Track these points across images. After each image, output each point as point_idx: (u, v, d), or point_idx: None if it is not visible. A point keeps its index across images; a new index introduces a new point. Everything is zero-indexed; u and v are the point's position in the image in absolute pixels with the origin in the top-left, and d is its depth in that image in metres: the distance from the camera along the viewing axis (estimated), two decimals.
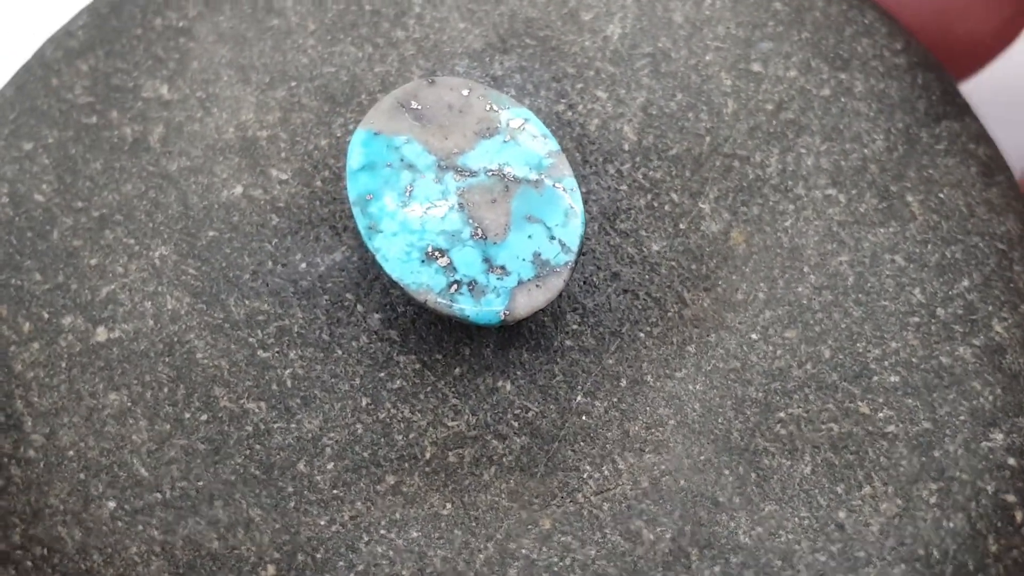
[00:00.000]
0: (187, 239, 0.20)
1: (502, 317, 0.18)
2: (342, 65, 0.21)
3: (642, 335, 0.20)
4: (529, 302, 0.19)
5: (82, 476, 0.19)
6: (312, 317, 0.20)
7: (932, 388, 0.19)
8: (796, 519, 0.19)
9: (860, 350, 0.20)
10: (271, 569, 0.18)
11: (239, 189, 0.20)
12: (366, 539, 0.19)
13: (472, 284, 0.19)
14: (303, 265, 0.20)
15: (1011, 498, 0.19)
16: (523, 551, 0.19)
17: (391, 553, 0.19)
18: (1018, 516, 0.19)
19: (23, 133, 0.21)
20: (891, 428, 0.19)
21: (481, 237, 0.19)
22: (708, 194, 0.20)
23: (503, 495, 0.19)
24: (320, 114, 0.21)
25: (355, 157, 0.19)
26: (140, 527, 0.18)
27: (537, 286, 0.19)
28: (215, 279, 0.20)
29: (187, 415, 0.19)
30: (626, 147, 0.21)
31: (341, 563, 0.19)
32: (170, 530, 0.18)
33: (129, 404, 0.19)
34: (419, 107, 0.19)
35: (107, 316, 0.20)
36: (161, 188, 0.20)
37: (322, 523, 0.19)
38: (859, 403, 0.19)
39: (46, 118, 0.21)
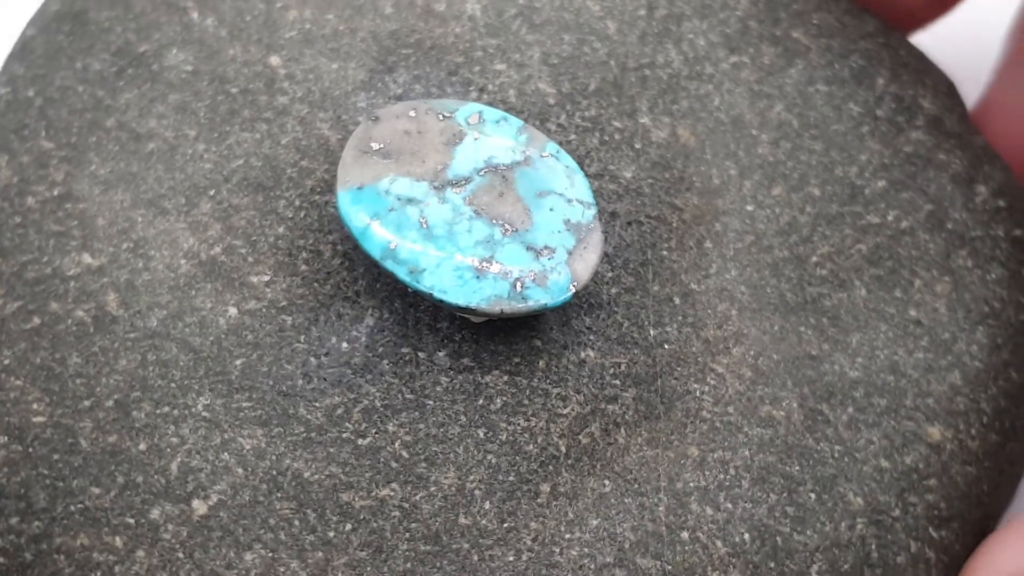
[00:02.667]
0: (219, 379, 0.21)
1: (573, 290, 0.20)
2: (248, 153, 0.22)
3: (665, 252, 0.22)
4: (586, 265, 0.21)
5: None
6: (386, 386, 0.21)
7: (914, 176, 0.23)
8: (881, 336, 0.22)
9: (841, 175, 0.23)
10: None
11: (233, 311, 0.21)
12: (558, 551, 0.20)
13: (532, 275, 0.20)
14: (344, 345, 0.21)
15: (1017, 231, 0.23)
16: (691, 484, 0.21)
17: (587, 550, 0.20)
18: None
19: None
20: (904, 223, 0.23)
21: (512, 231, 0.20)
22: (641, 108, 0.23)
23: (645, 447, 0.21)
24: (258, 205, 0.22)
25: (355, 218, 0.20)
26: None
27: (584, 248, 0.21)
28: (272, 400, 0.21)
29: (331, 534, 0.20)
30: (552, 101, 0.23)
31: (565, 573, 0.20)
32: None
33: (271, 554, 0.20)
34: (380, 146, 0.21)
35: (194, 488, 0.20)
36: (156, 347, 0.21)
37: (511, 558, 0.20)
38: (868, 217, 0.23)
39: None
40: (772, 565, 0.21)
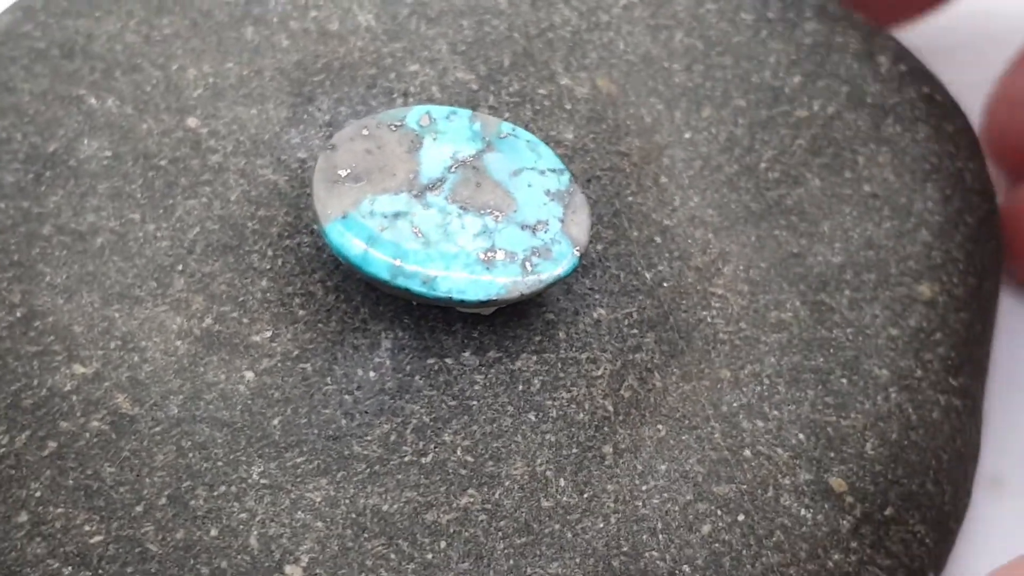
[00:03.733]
0: (263, 443, 0.21)
1: (578, 255, 0.21)
2: (201, 219, 0.22)
3: (630, 198, 0.23)
4: (581, 228, 0.21)
5: None
6: (427, 400, 0.21)
7: (822, 63, 0.24)
8: (847, 217, 0.23)
9: (758, 81, 0.24)
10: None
11: (249, 375, 0.21)
12: (640, 504, 0.21)
13: (535, 252, 0.21)
14: (372, 374, 0.21)
15: (925, 89, 0.25)
16: (735, 404, 0.22)
17: (666, 495, 0.21)
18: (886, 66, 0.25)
19: None
20: (830, 109, 0.24)
21: (502, 215, 0.21)
22: (557, 71, 0.24)
23: (681, 383, 0.22)
24: (232, 267, 0.22)
25: (350, 247, 0.21)
26: None
27: (573, 212, 0.21)
28: (324, 448, 0.21)
29: (429, 555, 0.20)
30: (475, 87, 0.23)
31: (654, 523, 0.20)
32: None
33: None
34: (347, 171, 0.21)
35: (281, 556, 0.20)
36: (187, 433, 0.21)
37: (601, 525, 0.21)
38: (797, 112, 0.24)
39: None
40: (832, 455, 0.22)
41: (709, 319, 0.23)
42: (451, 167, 0.22)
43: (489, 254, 0.21)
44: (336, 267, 0.22)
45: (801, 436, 0.22)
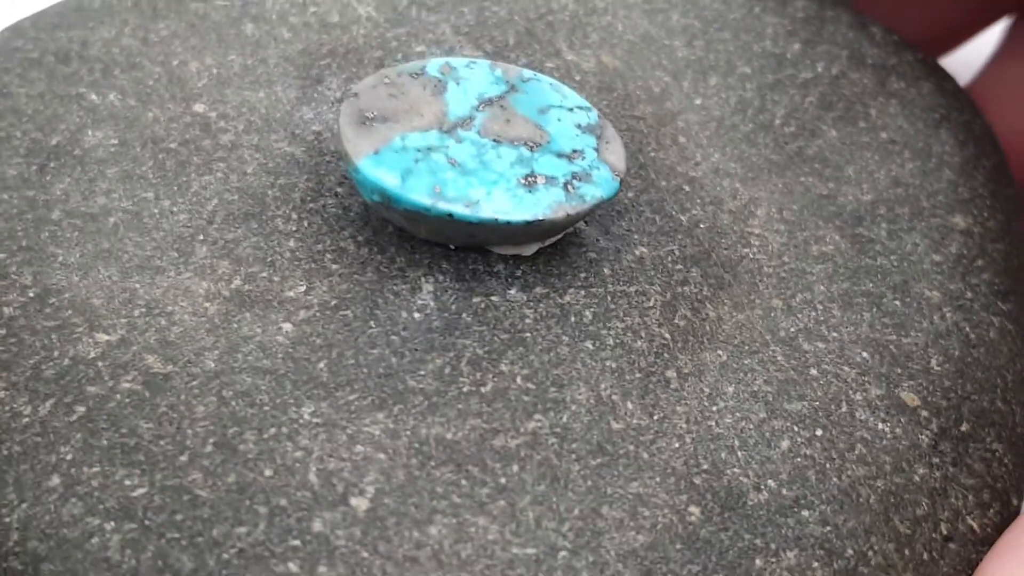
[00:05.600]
0: (311, 386, 0.19)
1: (619, 179, 0.20)
2: (219, 192, 0.21)
3: (652, 153, 0.23)
4: (618, 156, 0.21)
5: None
6: (478, 335, 0.20)
7: (818, 32, 0.24)
8: (870, 161, 0.23)
9: (759, 50, 0.24)
10: (693, 511, 0.19)
11: (287, 326, 0.20)
12: (713, 423, 0.20)
13: (575, 176, 0.20)
14: (416, 315, 0.20)
15: (920, 55, 0.25)
16: (792, 329, 0.21)
17: (738, 414, 0.20)
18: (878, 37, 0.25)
19: None
20: (834, 70, 0.24)
21: (536, 146, 0.20)
22: (562, 48, 0.23)
23: (734, 312, 0.21)
24: (256, 232, 0.21)
25: (387, 178, 0.20)
26: None
27: (607, 143, 0.21)
28: (377, 385, 0.19)
29: (503, 480, 0.19)
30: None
31: (731, 440, 0.19)
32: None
33: (455, 520, 0.18)
34: (374, 114, 0.20)
35: (345, 489, 0.18)
36: (227, 384, 0.19)
37: (676, 445, 0.20)
38: (802, 74, 0.24)
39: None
40: (899, 371, 0.21)
41: (751, 255, 0.22)
42: (478, 106, 0.21)
43: (530, 179, 0.20)
44: (366, 223, 0.21)
45: (865, 354, 0.21)
